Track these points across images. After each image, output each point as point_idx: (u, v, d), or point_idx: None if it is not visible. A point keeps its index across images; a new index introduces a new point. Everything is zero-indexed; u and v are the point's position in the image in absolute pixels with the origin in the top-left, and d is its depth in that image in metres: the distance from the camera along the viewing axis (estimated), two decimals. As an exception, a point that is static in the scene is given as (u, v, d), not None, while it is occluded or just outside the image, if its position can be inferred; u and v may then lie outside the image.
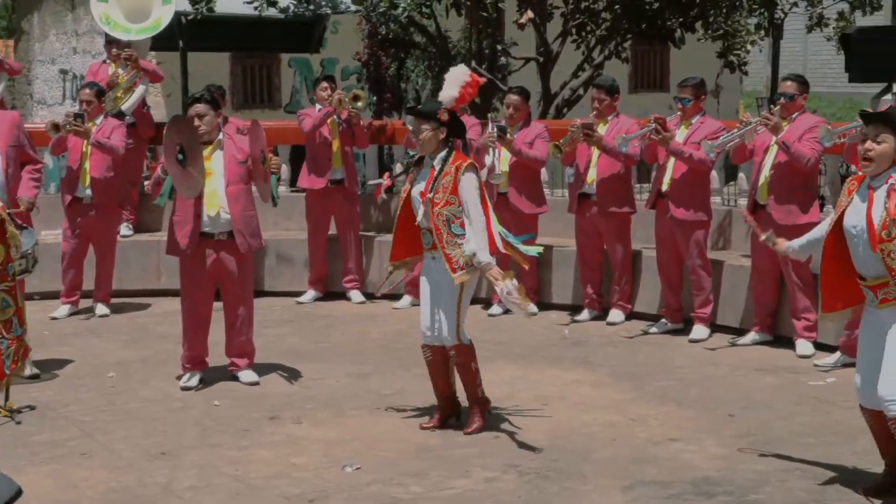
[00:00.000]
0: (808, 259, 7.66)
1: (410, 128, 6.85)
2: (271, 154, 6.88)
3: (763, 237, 5.59)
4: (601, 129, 8.45)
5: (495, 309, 9.06)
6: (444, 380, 6.09)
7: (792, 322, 7.71)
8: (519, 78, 13.39)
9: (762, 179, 7.62)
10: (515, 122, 8.89)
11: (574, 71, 13.26)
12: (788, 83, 7.69)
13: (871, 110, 5.06)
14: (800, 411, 6.38)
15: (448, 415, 6.11)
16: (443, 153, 5.82)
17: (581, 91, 13.00)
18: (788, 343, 7.73)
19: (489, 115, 9.94)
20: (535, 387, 6.95)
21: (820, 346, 7.56)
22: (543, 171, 9.34)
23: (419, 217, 5.86)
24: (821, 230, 5.22)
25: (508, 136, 8.65)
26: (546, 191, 9.45)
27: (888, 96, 10.17)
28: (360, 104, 9.39)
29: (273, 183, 6.81)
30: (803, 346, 7.60)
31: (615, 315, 8.70)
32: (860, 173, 4.92)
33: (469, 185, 5.74)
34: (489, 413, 6.15)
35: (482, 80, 6.34)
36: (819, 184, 8.34)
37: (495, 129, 8.62)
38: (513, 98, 8.94)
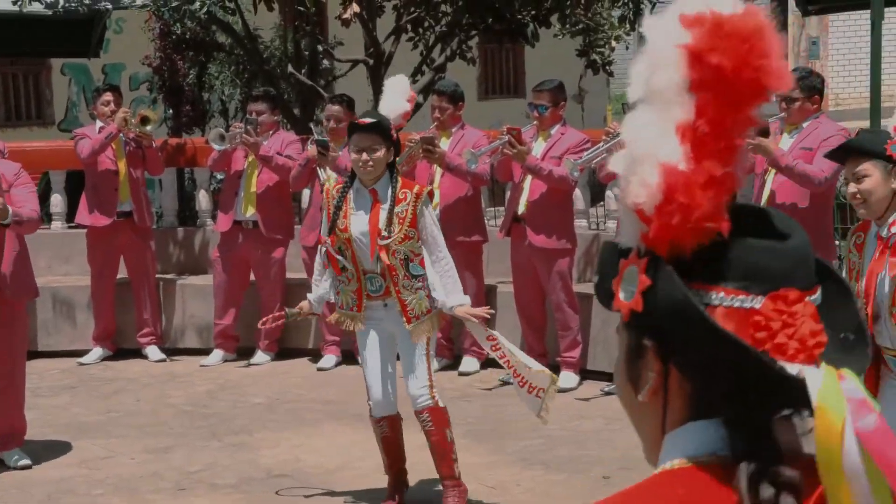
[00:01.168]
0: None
1: (311, 147, 7.04)
2: None
3: None
4: (444, 144, 8.56)
5: (326, 361, 9.05)
6: (400, 451, 6.09)
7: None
8: (346, 84, 13.45)
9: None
10: (340, 137, 8.93)
11: (411, 74, 13.39)
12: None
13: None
14: (685, 468, 6.54)
15: (399, 493, 6.09)
16: (385, 178, 5.77)
17: (420, 98, 13.13)
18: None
19: (312, 127, 9.96)
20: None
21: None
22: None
23: (364, 259, 5.77)
24: None
25: (332, 152, 8.67)
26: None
27: (772, 100, 10.62)
28: (148, 128, 9.28)
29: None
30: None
31: (469, 363, 8.80)
32: (861, 219, 4.68)
33: (432, 217, 5.78)
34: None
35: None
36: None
37: (315, 145, 8.65)
38: (334, 108, 9.00)
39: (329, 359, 9.10)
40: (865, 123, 8.95)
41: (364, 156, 5.68)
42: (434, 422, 5.89)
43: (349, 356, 9.09)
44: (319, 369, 9.01)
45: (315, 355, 9.24)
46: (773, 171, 7.17)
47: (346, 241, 5.74)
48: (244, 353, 9.32)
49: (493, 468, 6.62)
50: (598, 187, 11.59)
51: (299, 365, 9.19)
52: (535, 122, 8.35)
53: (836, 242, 8.18)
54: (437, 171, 8.55)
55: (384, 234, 5.67)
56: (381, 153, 5.69)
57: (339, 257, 5.74)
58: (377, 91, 13.16)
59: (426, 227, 5.75)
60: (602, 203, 9.57)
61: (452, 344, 8.91)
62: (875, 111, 8.83)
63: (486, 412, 7.79)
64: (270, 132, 9.22)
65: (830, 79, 24.19)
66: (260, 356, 9.27)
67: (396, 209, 5.71)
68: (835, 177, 7.23)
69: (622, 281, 1.41)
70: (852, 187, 4.48)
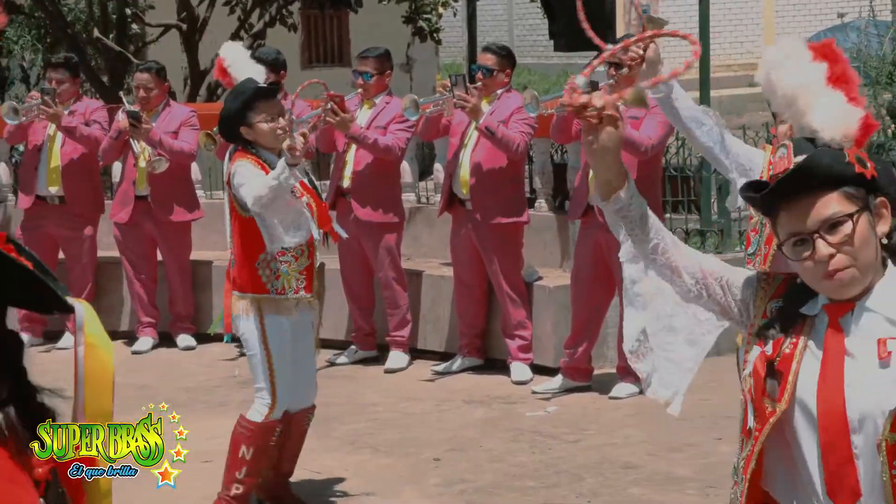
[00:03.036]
0: (519, 265, 8.07)
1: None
2: None
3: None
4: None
5: (142, 343, 8.92)
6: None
7: (505, 342, 8.05)
8: (158, 51, 13.24)
9: (462, 169, 7.91)
10: (153, 106, 8.80)
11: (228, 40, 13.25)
12: (488, 55, 8.02)
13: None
14: (516, 449, 6.67)
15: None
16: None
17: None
18: (502, 367, 8.06)
19: (122, 97, 9.79)
20: (193, 440, 6.84)
21: (538, 370, 7.93)
22: (195, 167, 9.29)
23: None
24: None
25: (144, 123, 8.53)
26: (200, 193, 9.40)
27: (600, 68, 10.79)
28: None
29: None
30: (519, 369, 7.95)
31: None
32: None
33: None
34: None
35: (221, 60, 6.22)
36: (528, 174, 8.76)
37: (126, 116, 8.50)
38: (143, 76, 8.87)
39: (145, 341, 8.97)
40: (696, 94, 9.19)
41: (282, 121, 5.64)
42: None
43: (166, 338, 8.99)
44: (134, 353, 8.87)
45: (130, 338, 9.10)
46: None
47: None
48: (51, 337, 9.12)
49: (319, 454, 6.62)
50: (426, 160, 11.67)
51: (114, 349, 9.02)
52: (359, 91, 8.35)
53: (667, 216, 8.41)
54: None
55: None
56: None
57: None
58: (191, 58, 13.01)
59: None
60: (431, 176, 9.62)
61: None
62: (704, 82, 9.09)
63: (310, 395, 7.77)
64: (72, 101, 9.01)
65: (662, 48, 24.72)
66: (68, 339, 9.08)
67: None
68: (662, 145, 7.43)
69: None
70: (822, 245, 2.52)
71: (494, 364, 8.17)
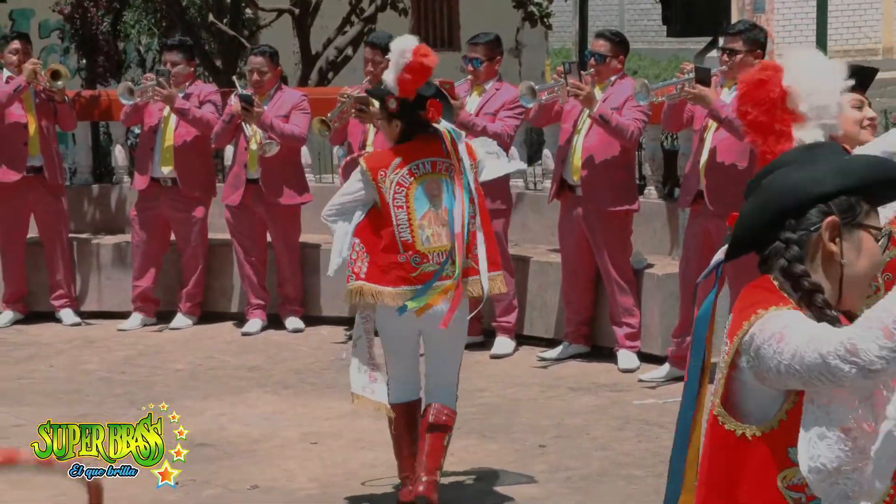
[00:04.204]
0: (628, 253, 8.04)
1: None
2: None
3: None
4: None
5: (251, 325, 9.04)
6: None
7: (612, 330, 8.03)
8: (271, 35, 13.38)
9: (574, 156, 7.89)
10: (265, 90, 8.90)
11: (340, 25, 13.36)
12: (601, 41, 7.98)
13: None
14: (623, 437, 6.66)
15: None
16: None
17: (350, 51, 13.10)
18: (609, 355, 8.04)
19: (235, 81, 9.92)
20: (301, 422, 6.99)
21: (645, 358, 7.90)
22: (305, 151, 9.39)
23: None
24: None
25: (256, 107, 8.64)
26: (309, 177, 9.50)
27: (713, 53, 10.67)
28: (60, 83, 9.18)
29: None
30: (626, 357, 7.92)
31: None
32: None
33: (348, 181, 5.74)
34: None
35: (427, 57, 5.69)
36: (638, 161, 8.71)
37: (239, 100, 8.61)
38: (256, 60, 8.96)
39: (254, 323, 9.09)
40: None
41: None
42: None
43: (275, 320, 9.11)
44: (244, 334, 9.00)
45: (239, 319, 9.23)
46: (713, 127, 7.25)
47: None
48: (164, 318, 9.29)
49: (425, 437, 6.67)
50: (535, 146, 11.65)
51: (223, 329, 9.18)
52: (469, 77, 8.37)
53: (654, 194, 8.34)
54: (371, 129, 8.54)
55: None
56: (383, 122, 5.74)
57: None
58: (303, 42, 13.12)
59: None
60: (539, 162, 9.61)
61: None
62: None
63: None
64: (186, 84, 9.16)
65: (776, 33, 24.39)
66: (181, 320, 9.25)
67: None
68: (642, 132, 7.45)
69: None
70: None
71: (601, 352, 8.15)
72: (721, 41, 7.68)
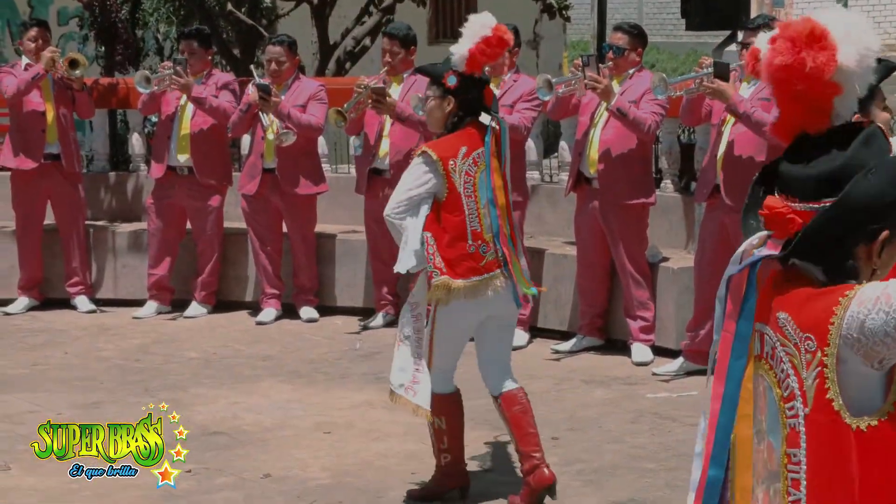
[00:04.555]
0: (644, 246, 8.03)
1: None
2: None
3: None
4: (394, 90, 8.55)
5: (266, 315, 9.06)
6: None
7: (626, 323, 8.02)
8: (289, 24, 13.38)
9: (591, 148, 7.88)
10: (283, 80, 8.91)
11: (358, 16, 13.35)
12: (619, 34, 7.97)
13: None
14: (636, 430, 6.65)
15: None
16: (448, 131, 5.54)
17: (367, 41, 13.10)
18: (623, 348, 8.04)
19: (252, 70, 9.92)
20: (315, 412, 7.00)
21: (659, 351, 7.90)
22: (321, 141, 9.39)
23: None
24: None
25: (274, 97, 8.65)
26: (325, 167, 9.51)
27: (732, 46, 10.63)
28: (77, 72, 9.20)
29: None
30: (640, 351, 7.92)
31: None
32: None
33: (406, 172, 5.52)
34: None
35: (507, 34, 5.57)
36: (654, 155, 8.70)
37: (256, 89, 8.62)
38: (274, 49, 8.96)
39: (269, 312, 9.11)
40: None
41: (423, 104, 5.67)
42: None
43: (289, 310, 9.12)
44: (258, 323, 9.02)
45: (254, 308, 9.25)
46: (731, 121, 7.23)
47: None
48: (179, 306, 9.31)
49: (438, 428, 6.67)
50: (551, 138, 11.64)
51: (237, 318, 9.20)
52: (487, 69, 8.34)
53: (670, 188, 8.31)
54: (388, 120, 8.54)
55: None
56: (430, 102, 5.52)
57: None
58: (321, 32, 13.11)
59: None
60: (555, 154, 9.60)
61: (398, 298, 8.93)
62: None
63: (431, 370, 7.83)
64: (203, 73, 9.16)
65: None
66: (195, 308, 9.27)
67: None
68: (659, 124, 7.40)
69: None
70: None
71: (615, 345, 8.15)
72: (740, 35, 7.66)
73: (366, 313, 9.11)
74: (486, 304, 5.44)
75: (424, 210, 5.41)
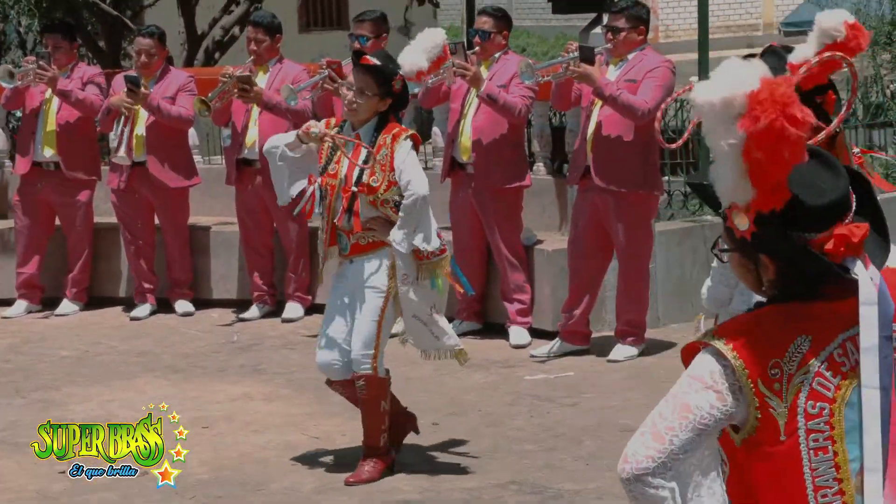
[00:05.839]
0: (519, 229, 8.07)
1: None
2: None
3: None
4: (260, 78, 8.47)
5: (140, 310, 8.92)
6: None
7: (504, 306, 8.06)
8: (155, 15, 13.20)
9: (463, 135, 7.90)
10: (151, 72, 8.77)
11: (225, 5, 13.22)
12: (484, 18, 8.02)
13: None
14: (515, 413, 6.70)
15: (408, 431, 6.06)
16: (371, 124, 5.67)
17: (236, 31, 12.98)
18: (501, 331, 8.07)
19: (121, 63, 9.77)
20: (192, 406, 6.91)
21: (537, 333, 7.95)
22: (192, 132, 9.27)
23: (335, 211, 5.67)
24: None
25: (143, 89, 8.52)
26: (197, 158, 9.39)
27: (597, 29, 10.73)
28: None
29: None
30: (517, 333, 7.96)
31: (293, 310, 8.79)
32: None
33: (411, 154, 5.66)
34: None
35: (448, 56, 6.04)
36: (527, 138, 8.74)
37: (125, 81, 8.48)
38: (144, 41, 8.82)
39: (143, 308, 8.96)
40: (694, 56, 9.15)
41: (351, 95, 5.65)
42: (369, 389, 5.74)
43: (164, 304, 9.00)
44: (133, 319, 8.87)
45: (128, 304, 9.10)
46: (599, 104, 7.29)
47: (331, 186, 5.70)
48: (50, 304, 9.13)
49: (317, 418, 6.66)
50: (425, 124, 11.61)
51: (111, 315, 9.04)
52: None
53: (665, 178, 8.40)
54: (255, 109, 8.46)
55: (371, 184, 5.62)
56: (369, 100, 5.61)
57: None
58: (188, 22, 12.97)
59: (402, 164, 5.64)
60: (430, 140, 9.59)
61: (275, 289, 8.87)
62: (703, 44, 9.03)
63: (309, 361, 7.76)
64: (69, 66, 8.98)
65: (660, 9, 24.64)
66: (67, 306, 9.09)
67: (378, 156, 5.61)
68: (658, 108, 7.35)
69: None
70: None
71: (493, 328, 8.18)
72: (605, 18, 7.74)
73: (242, 305, 9.02)
74: None
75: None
